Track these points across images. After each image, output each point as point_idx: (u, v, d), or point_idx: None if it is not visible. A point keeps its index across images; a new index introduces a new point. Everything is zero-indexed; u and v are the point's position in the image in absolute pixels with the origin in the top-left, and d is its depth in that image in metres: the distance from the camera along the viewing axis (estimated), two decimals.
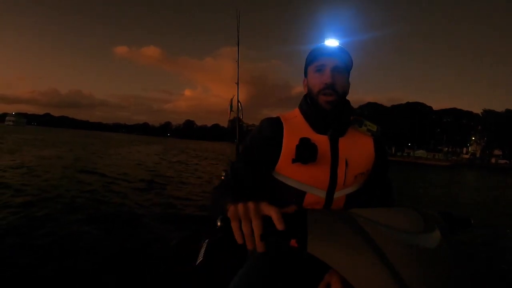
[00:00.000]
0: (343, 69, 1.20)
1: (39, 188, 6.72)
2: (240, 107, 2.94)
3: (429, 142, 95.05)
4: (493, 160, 77.27)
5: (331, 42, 1.20)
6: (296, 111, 1.29)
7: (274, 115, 1.27)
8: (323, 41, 1.22)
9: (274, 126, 1.20)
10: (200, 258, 1.43)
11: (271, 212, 0.69)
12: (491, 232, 6.03)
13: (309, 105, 1.24)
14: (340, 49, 1.19)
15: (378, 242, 0.64)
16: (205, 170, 14.88)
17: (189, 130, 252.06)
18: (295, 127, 1.20)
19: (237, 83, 2.98)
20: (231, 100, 2.90)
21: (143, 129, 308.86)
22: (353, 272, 0.62)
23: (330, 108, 1.17)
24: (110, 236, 4.00)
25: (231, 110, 2.93)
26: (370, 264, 0.61)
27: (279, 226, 0.68)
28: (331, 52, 1.18)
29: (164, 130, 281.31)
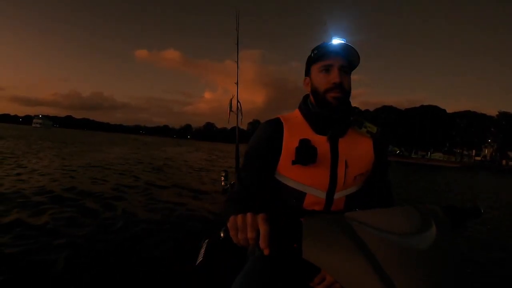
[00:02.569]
0: (348, 68, 1.17)
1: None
2: (239, 107, 2.91)
3: (445, 144, 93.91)
4: (504, 162, 75.28)
5: (338, 41, 1.14)
6: (296, 112, 1.27)
7: None
8: (329, 40, 1.16)
9: (274, 127, 1.19)
10: (200, 258, 1.42)
11: (262, 229, 0.71)
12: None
13: (309, 106, 1.22)
14: (348, 48, 1.13)
15: (371, 246, 0.64)
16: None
17: (210, 133, 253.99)
18: (295, 128, 1.18)
19: (237, 83, 2.94)
20: (230, 100, 2.87)
21: (163, 131, 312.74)
22: (346, 277, 0.63)
23: (337, 104, 1.14)
24: (109, 235, 3.98)
25: (230, 110, 2.90)
26: (362, 269, 0.61)
27: (262, 244, 0.70)
28: (338, 52, 1.14)
29: (185, 132, 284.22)
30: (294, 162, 1.10)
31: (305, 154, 1.09)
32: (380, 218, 0.70)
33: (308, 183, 1.15)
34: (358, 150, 1.21)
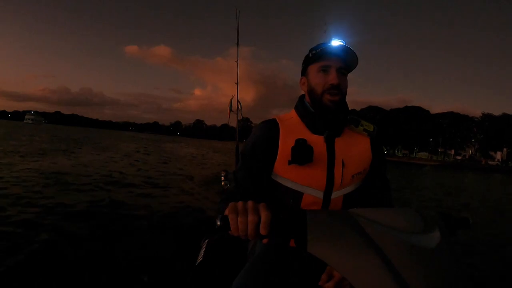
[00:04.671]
0: (346, 70, 1.16)
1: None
2: (239, 107, 2.90)
3: (429, 144, 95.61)
4: (483, 161, 76.70)
5: (337, 43, 1.13)
6: (293, 112, 1.26)
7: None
8: (328, 41, 1.15)
9: (270, 128, 1.17)
10: (200, 258, 1.40)
11: (263, 214, 0.68)
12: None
13: (306, 106, 1.21)
14: (347, 50, 1.12)
15: (379, 242, 0.62)
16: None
17: (199, 130, 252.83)
18: (291, 128, 1.17)
19: (237, 83, 2.93)
20: (231, 100, 2.86)
21: (153, 128, 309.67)
22: (353, 272, 0.60)
23: (333, 108, 1.13)
24: (109, 235, 3.92)
25: (230, 110, 2.89)
26: (370, 264, 0.59)
27: (263, 230, 0.67)
28: (337, 53, 1.12)
29: (174, 129, 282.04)
30: (290, 162, 1.09)
31: (301, 154, 1.08)
32: (384, 216, 0.68)
33: (305, 183, 1.14)
34: (355, 149, 1.19)
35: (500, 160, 74.91)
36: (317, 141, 1.13)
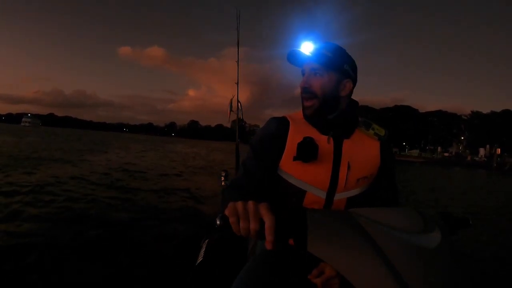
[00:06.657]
0: (322, 69, 1.10)
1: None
2: (239, 107, 2.89)
3: (420, 142, 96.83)
4: (469, 158, 77.47)
5: (306, 46, 1.11)
6: (301, 112, 1.23)
7: (278, 115, 1.24)
8: (300, 45, 1.12)
9: (281, 124, 1.17)
10: (200, 258, 1.38)
11: (266, 219, 0.66)
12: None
13: None
14: (315, 51, 1.09)
15: (379, 241, 0.61)
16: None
17: (194, 130, 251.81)
18: (301, 127, 1.16)
19: (237, 83, 2.91)
20: (231, 100, 2.85)
21: (147, 129, 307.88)
22: (353, 271, 0.59)
23: (310, 112, 1.13)
24: (109, 235, 3.88)
25: (230, 110, 2.88)
26: (370, 263, 0.59)
27: (269, 237, 0.65)
28: (305, 57, 1.11)
29: (169, 130, 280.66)
30: (295, 158, 1.08)
31: (306, 150, 1.06)
32: (384, 216, 0.67)
33: (308, 181, 1.12)
34: (363, 153, 1.16)
35: (483, 156, 75.62)
36: (325, 141, 1.12)
